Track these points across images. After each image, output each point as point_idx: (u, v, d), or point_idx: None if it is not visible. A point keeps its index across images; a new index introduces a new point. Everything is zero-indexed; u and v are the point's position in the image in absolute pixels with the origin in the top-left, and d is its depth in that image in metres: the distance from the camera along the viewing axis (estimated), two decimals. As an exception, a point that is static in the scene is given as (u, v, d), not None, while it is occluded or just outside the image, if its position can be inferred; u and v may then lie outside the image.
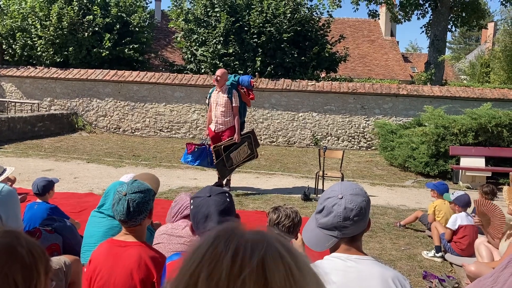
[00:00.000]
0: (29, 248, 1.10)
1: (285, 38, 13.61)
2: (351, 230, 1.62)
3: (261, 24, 13.62)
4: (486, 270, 3.28)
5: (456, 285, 4.04)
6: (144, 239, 2.31)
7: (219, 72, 6.97)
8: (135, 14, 15.78)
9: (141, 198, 2.22)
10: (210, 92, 7.23)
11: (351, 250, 1.65)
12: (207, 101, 7.39)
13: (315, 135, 12.91)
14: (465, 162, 8.75)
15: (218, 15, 13.90)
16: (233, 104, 6.86)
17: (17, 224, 2.73)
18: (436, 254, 4.75)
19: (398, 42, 31.11)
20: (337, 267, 1.61)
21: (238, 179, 7.98)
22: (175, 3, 15.67)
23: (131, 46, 15.21)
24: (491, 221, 4.13)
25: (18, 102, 13.91)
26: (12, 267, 1.05)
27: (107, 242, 2.30)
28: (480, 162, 8.69)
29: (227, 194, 1.99)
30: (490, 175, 8.66)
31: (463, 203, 4.80)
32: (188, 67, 15.06)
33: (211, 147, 6.98)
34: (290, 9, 13.96)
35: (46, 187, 4.07)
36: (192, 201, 1.97)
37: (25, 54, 14.79)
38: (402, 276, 1.64)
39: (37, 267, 1.09)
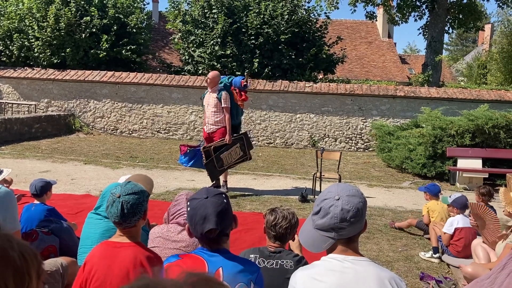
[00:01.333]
0: (21, 251, 1.08)
1: (283, 40, 13.62)
2: (348, 231, 1.63)
3: (258, 26, 13.62)
4: (483, 271, 3.28)
5: (453, 286, 4.04)
6: (139, 239, 2.30)
7: (210, 74, 7.03)
8: (133, 16, 15.76)
9: (135, 200, 2.21)
10: (204, 93, 7.25)
11: (348, 251, 1.66)
12: (202, 103, 7.39)
13: (312, 136, 12.92)
14: (462, 163, 8.77)
15: (215, 16, 13.90)
16: (223, 105, 6.85)
17: (15, 226, 2.72)
18: (433, 255, 4.76)
19: (395, 43, 31.19)
20: (334, 268, 1.62)
21: (235, 180, 7.98)
22: (172, 5, 15.68)
23: (128, 48, 15.20)
24: (486, 225, 4.13)
25: (15, 103, 13.89)
26: (3, 271, 1.03)
27: (102, 244, 2.29)
28: (477, 164, 8.72)
29: (224, 196, 1.99)
30: (487, 176, 8.69)
31: (461, 205, 4.79)
32: (185, 68, 15.05)
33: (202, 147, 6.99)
34: (288, 11, 13.98)
35: (44, 188, 4.07)
36: (188, 203, 1.96)
37: (22, 55, 14.77)
38: (399, 277, 1.64)
39: (28, 270, 1.07)
